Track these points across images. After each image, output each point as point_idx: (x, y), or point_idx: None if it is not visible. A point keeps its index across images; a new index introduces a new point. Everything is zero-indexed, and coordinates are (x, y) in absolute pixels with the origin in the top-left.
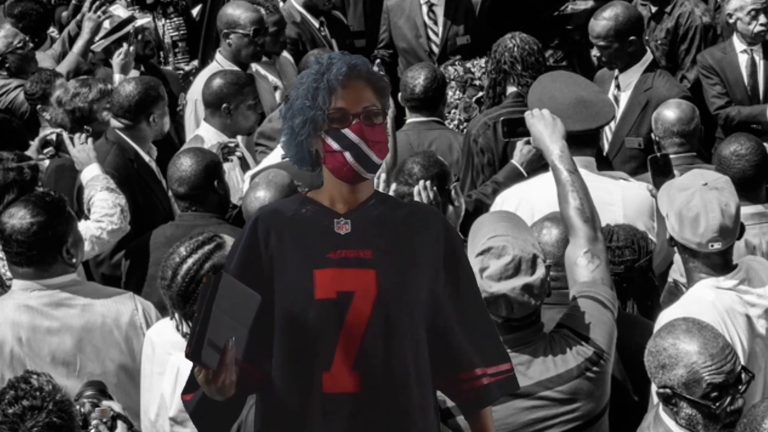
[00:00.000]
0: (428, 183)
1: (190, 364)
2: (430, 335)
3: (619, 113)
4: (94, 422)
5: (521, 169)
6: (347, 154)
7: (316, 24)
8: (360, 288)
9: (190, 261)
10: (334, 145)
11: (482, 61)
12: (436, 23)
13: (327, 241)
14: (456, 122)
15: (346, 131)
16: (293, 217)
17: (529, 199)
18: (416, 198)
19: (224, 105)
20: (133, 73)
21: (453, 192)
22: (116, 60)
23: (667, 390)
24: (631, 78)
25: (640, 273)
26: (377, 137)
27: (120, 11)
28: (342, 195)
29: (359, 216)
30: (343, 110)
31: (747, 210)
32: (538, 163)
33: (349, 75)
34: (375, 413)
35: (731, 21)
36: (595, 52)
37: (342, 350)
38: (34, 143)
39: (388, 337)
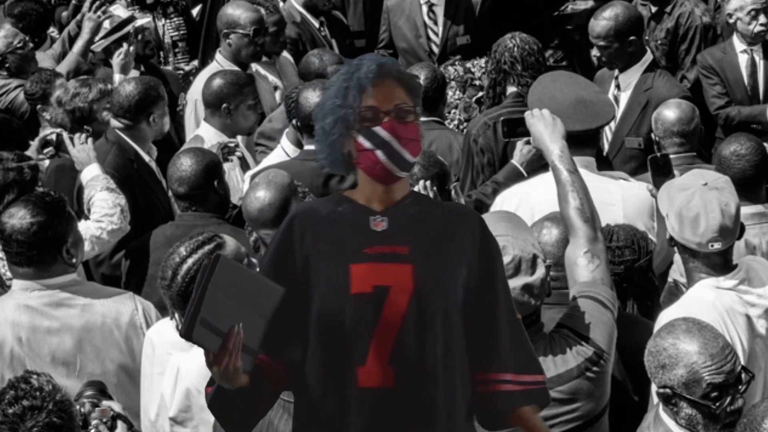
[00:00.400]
0: (428, 183)
1: (190, 364)
2: (464, 334)
3: (619, 113)
4: (94, 422)
5: (521, 169)
6: (379, 153)
7: (316, 24)
8: (396, 282)
9: (190, 261)
10: (366, 144)
11: (482, 61)
12: (436, 23)
13: (363, 238)
14: (456, 122)
15: (378, 129)
16: (329, 216)
17: (529, 199)
18: None
19: (224, 105)
20: (133, 73)
21: (453, 192)
22: (116, 60)
23: (667, 390)
24: (631, 78)
25: (640, 273)
26: (410, 134)
27: (120, 11)
28: (377, 194)
29: (395, 214)
30: (374, 108)
31: (747, 210)
32: (538, 163)
33: (379, 74)
34: (407, 408)
35: (731, 21)
36: (595, 52)
37: (377, 345)
38: (34, 143)
39: (423, 332)
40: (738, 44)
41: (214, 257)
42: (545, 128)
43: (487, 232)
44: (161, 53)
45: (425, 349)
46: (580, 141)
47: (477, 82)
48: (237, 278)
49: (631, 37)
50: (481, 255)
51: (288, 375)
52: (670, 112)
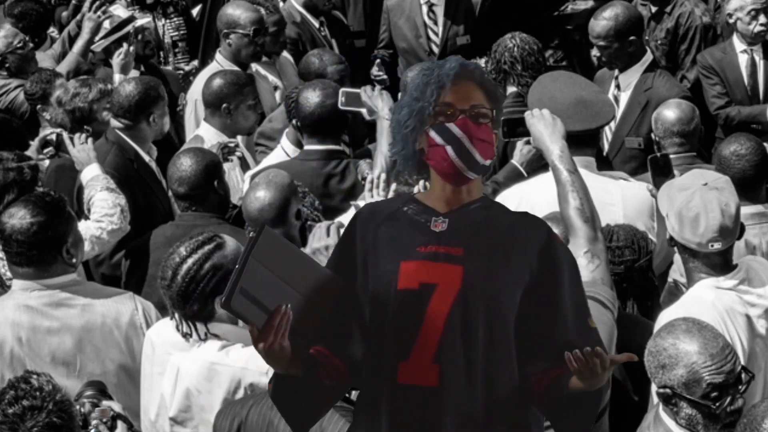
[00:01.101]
0: (428, 183)
1: (190, 364)
2: (526, 344)
3: (619, 113)
4: (94, 422)
5: (521, 169)
6: (449, 149)
7: (316, 24)
8: (444, 281)
9: (190, 261)
10: (437, 139)
11: (482, 61)
12: (436, 23)
13: (420, 236)
14: None
15: (451, 125)
16: (393, 214)
17: (529, 199)
18: None
19: (224, 105)
20: (133, 73)
21: None
22: (116, 60)
23: (667, 390)
24: (631, 78)
25: (640, 273)
26: (483, 135)
27: (120, 11)
28: (445, 195)
29: (459, 216)
30: (450, 105)
31: (747, 210)
32: (538, 163)
33: (460, 73)
34: (449, 410)
35: (731, 21)
36: (595, 52)
37: (422, 342)
38: (34, 143)
39: (469, 333)
40: (738, 44)
41: (260, 228)
42: (545, 128)
43: (554, 243)
44: (161, 53)
45: (471, 351)
46: (580, 141)
47: None
48: (280, 252)
49: (631, 37)
50: (546, 265)
51: (347, 370)
52: (670, 112)
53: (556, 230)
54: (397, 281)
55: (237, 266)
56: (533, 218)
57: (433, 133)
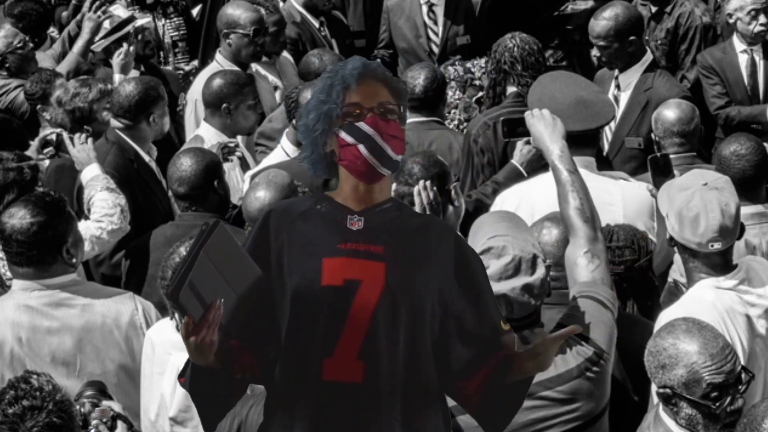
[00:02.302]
0: (428, 183)
1: None
2: (440, 345)
3: (619, 113)
4: (94, 422)
5: (521, 169)
6: (361, 147)
7: (316, 24)
8: (368, 278)
9: None
10: (348, 138)
11: (482, 61)
12: (436, 23)
13: (338, 234)
14: (456, 122)
15: (360, 124)
16: (306, 212)
17: (529, 199)
18: (416, 198)
19: (224, 105)
20: (133, 73)
21: (453, 192)
22: (116, 60)
23: (667, 390)
24: (631, 78)
25: (640, 273)
26: (393, 131)
27: (120, 11)
28: (358, 194)
29: (373, 215)
30: (357, 104)
31: (747, 210)
32: (538, 163)
33: (363, 72)
34: (374, 404)
35: (731, 21)
36: (595, 52)
37: (347, 338)
38: (34, 143)
39: (393, 330)
40: (738, 44)
41: (213, 223)
42: (545, 128)
43: (463, 246)
44: (161, 53)
45: (396, 347)
46: (580, 141)
47: (477, 82)
48: (227, 250)
49: (631, 37)
50: (461, 271)
51: (259, 367)
52: (670, 112)
53: (555, 230)
54: (321, 278)
55: (186, 257)
56: (440, 222)
57: (343, 134)
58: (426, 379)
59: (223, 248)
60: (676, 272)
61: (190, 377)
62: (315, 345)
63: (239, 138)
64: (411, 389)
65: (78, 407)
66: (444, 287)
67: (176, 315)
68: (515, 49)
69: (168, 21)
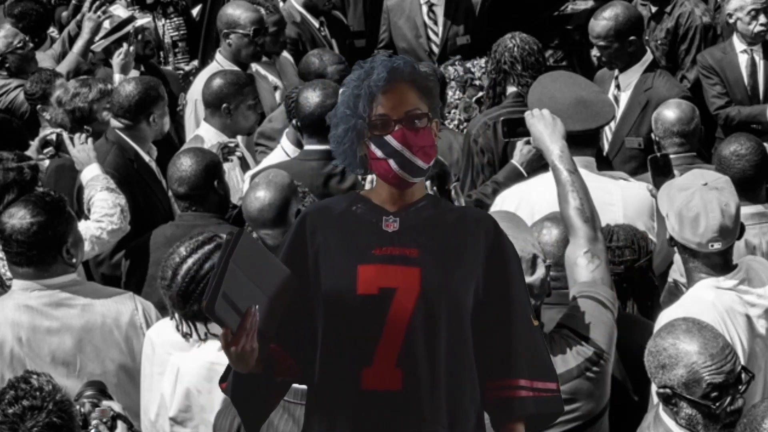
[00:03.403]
0: (428, 183)
1: (190, 364)
2: (476, 340)
3: (619, 113)
4: (94, 422)
5: (521, 169)
6: (391, 162)
7: (316, 24)
8: (403, 285)
9: (190, 261)
10: (378, 153)
11: (482, 61)
12: (436, 23)
13: (373, 238)
14: (456, 122)
15: (389, 138)
16: (342, 214)
17: (529, 199)
18: None
19: (224, 105)
20: (133, 73)
21: (453, 192)
22: (116, 60)
23: (667, 390)
24: (631, 78)
25: (640, 273)
26: (422, 141)
27: (120, 11)
28: (392, 195)
29: (408, 215)
30: (384, 116)
31: (747, 210)
32: (538, 163)
33: (389, 79)
34: (416, 412)
35: (731, 21)
36: (595, 52)
37: (384, 347)
38: (34, 143)
39: (431, 336)
40: (738, 44)
41: (237, 232)
42: (545, 128)
43: (501, 236)
44: (161, 53)
45: (434, 353)
46: (580, 141)
47: (477, 82)
48: (255, 256)
49: (631, 37)
50: (494, 259)
51: (298, 368)
52: (670, 112)
53: (555, 230)
54: (356, 286)
55: (216, 269)
56: (477, 213)
57: (373, 147)
58: (467, 382)
59: (251, 255)
60: (676, 272)
61: (232, 383)
62: (353, 354)
63: (239, 138)
64: (454, 394)
65: (78, 407)
66: (480, 278)
67: (176, 315)
68: (515, 49)
69: (168, 21)
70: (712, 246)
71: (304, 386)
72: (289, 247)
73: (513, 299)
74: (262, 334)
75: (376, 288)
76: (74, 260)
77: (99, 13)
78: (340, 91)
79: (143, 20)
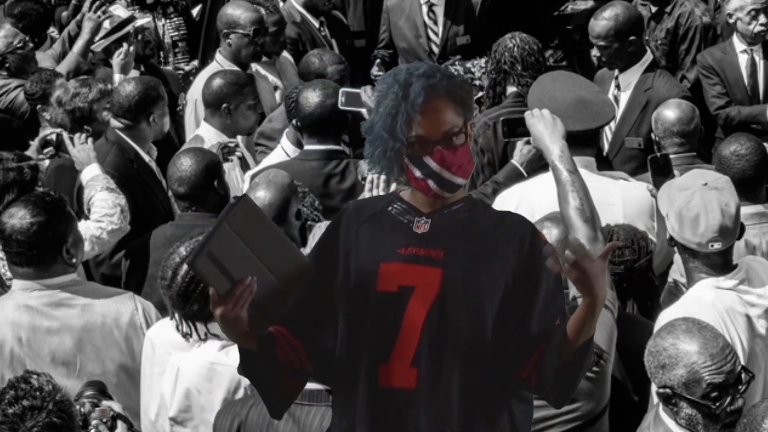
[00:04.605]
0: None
1: (190, 364)
2: (504, 342)
3: (619, 113)
4: (94, 422)
5: (521, 169)
6: (430, 182)
7: (316, 24)
8: (422, 284)
9: None
10: (417, 173)
11: (482, 61)
12: (436, 23)
13: (402, 238)
14: None
15: (427, 159)
16: (377, 214)
17: (529, 199)
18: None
19: (224, 105)
20: (133, 73)
21: None
22: (116, 60)
23: (667, 390)
24: (631, 78)
25: (640, 273)
26: (459, 160)
27: (120, 11)
28: (428, 199)
29: (442, 217)
30: (422, 138)
31: (747, 210)
32: (538, 163)
33: (427, 99)
34: (428, 411)
35: (731, 21)
36: (595, 52)
37: (401, 345)
38: (34, 143)
39: (447, 337)
40: (738, 44)
41: (238, 197)
42: (545, 128)
43: (536, 244)
44: (161, 53)
45: (448, 355)
46: (580, 141)
47: (477, 82)
48: (256, 224)
49: (631, 37)
50: (528, 264)
51: (307, 354)
52: (670, 112)
53: (555, 230)
54: (377, 283)
55: (210, 229)
56: (517, 218)
57: (411, 167)
58: (487, 385)
59: (253, 223)
60: (676, 272)
61: (240, 362)
62: (371, 351)
63: (239, 138)
64: (470, 396)
65: (78, 407)
66: (507, 289)
67: (176, 315)
68: (515, 49)
69: (168, 21)
70: (712, 246)
71: (305, 387)
72: (322, 240)
73: (549, 307)
74: (260, 309)
75: (396, 285)
76: (74, 260)
77: (99, 13)
78: (372, 97)
79: (143, 20)
